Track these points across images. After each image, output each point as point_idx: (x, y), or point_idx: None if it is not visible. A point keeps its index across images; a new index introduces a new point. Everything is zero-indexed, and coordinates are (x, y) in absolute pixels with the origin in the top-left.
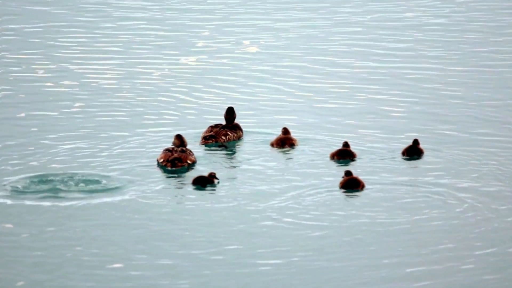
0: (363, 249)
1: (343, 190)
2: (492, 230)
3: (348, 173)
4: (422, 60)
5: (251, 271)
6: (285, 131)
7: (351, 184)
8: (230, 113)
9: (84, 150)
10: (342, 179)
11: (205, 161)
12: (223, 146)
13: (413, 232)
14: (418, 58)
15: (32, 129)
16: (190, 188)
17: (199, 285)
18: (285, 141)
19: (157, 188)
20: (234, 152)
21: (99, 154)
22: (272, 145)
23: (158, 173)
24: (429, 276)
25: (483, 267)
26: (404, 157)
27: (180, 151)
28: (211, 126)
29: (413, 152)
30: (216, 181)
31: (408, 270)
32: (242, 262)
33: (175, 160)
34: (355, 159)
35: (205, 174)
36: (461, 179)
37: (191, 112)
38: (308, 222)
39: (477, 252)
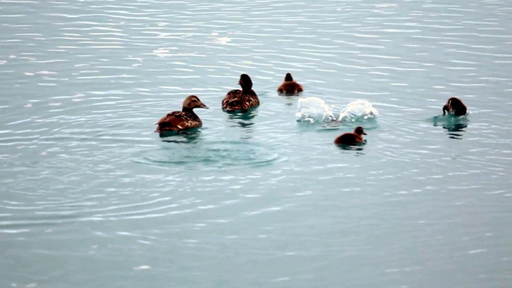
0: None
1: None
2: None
3: (358, 130)
4: (467, 24)
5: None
6: (288, 76)
7: (347, 139)
8: (246, 80)
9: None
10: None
11: (218, 124)
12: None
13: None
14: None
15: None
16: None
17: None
18: (294, 87)
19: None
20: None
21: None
22: (280, 90)
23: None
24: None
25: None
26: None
27: (176, 116)
28: (232, 92)
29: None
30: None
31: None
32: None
33: (163, 124)
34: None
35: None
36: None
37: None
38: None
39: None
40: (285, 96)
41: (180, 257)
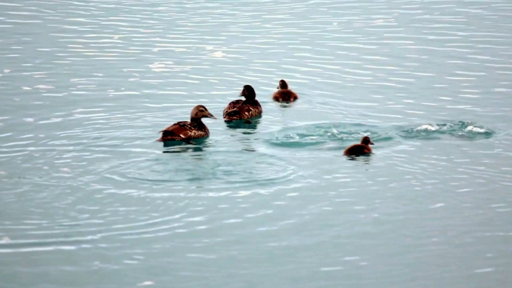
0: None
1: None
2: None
3: (365, 141)
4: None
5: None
6: (283, 84)
7: (356, 150)
8: (249, 91)
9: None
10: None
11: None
12: (248, 122)
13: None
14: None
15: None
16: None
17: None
18: (289, 95)
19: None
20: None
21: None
22: (277, 99)
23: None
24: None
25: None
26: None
27: (180, 125)
28: (233, 102)
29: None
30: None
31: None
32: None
33: (166, 132)
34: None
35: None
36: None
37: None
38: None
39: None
40: (281, 104)
41: (182, 272)
